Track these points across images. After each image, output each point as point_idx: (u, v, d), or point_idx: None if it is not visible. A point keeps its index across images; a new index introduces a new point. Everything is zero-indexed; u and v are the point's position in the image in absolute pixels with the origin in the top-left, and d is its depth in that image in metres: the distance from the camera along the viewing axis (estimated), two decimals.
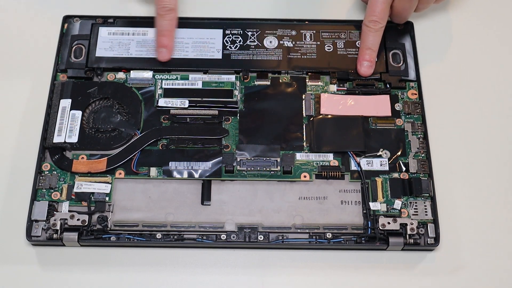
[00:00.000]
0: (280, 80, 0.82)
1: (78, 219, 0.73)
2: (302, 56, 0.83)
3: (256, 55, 0.83)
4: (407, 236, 0.73)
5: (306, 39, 0.85)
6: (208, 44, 0.84)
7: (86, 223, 0.73)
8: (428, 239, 0.74)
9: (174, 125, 0.79)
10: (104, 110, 0.80)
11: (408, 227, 0.73)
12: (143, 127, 0.79)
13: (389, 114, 0.80)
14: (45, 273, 0.73)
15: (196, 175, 0.76)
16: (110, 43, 0.84)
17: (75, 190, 0.75)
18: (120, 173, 0.76)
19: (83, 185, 0.75)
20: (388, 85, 0.82)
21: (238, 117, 0.80)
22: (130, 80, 0.82)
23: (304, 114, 0.80)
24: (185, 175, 0.76)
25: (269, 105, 0.80)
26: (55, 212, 0.74)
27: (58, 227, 0.73)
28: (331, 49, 0.84)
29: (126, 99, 0.80)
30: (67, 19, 0.86)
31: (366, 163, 0.77)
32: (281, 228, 0.74)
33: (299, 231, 0.74)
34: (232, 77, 0.82)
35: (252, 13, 0.89)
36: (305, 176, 0.76)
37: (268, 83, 0.82)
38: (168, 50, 0.81)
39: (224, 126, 0.79)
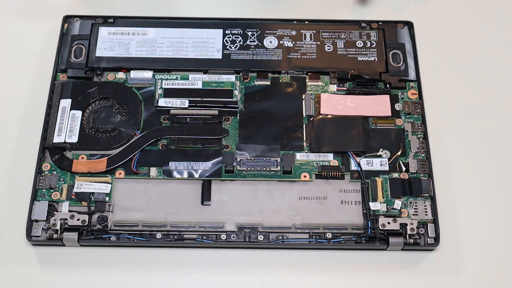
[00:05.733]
0: (280, 80, 0.82)
1: (78, 219, 0.73)
2: (302, 56, 0.83)
3: (256, 55, 0.83)
4: (407, 236, 0.73)
5: (306, 39, 0.85)
6: (208, 44, 0.84)
7: (86, 223, 0.73)
8: (428, 239, 0.74)
9: (174, 125, 0.79)
10: (104, 110, 0.80)
11: (408, 227, 0.73)
12: (143, 127, 0.79)
13: (389, 114, 0.80)
14: (45, 273, 0.73)
15: (196, 175, 0.76)
16: (110, 43, 0.84)
17: (75, 190, 0.75)
18: (120, 173, 0.76)
19: (83, 185, 0.75)
20: (388, 85, 0.82)
21: (238, 117, 0.80)
22: (130, 80, 0.82)
23: (304, 114, 0.80)
24: (185, 175, 0.76)
25: (269, 105, 0.80)
26: (55, 212, 0.74)
27: (58, 227, 0.73)
28: (331, 49, 0.84)
29: (126, 99, 0.80)
30: (67, 19, 0.86)
31: (366, 163, 0.77)
32: (281, 228, 0.74)
33: (299, 231, 0.74)
34: (232, 77, 0.82)
35: (252, 13, 0.89)
36: (305, 176, 0.76)
37: (268, 83, 0.82)
38: None
39: (224, 126, 0.79)
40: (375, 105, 0.80)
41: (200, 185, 0.76)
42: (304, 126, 0.79)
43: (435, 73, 0.85)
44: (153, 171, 0.76)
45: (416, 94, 0.81)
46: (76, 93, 0.80)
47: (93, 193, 0.75)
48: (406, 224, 0.73)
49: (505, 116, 0.83)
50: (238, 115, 0.80)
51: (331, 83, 0.82)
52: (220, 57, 0.83)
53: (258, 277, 0.73)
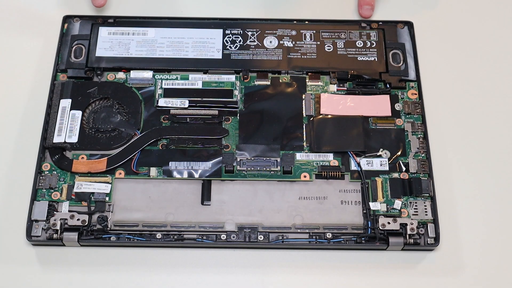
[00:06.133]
0: (280, 80, 0.82)
1: (78, 219, 0.73)
2: (302, 56, 0.83)
3: (256, 55, 0.83)
4: (407, 236, 0.73)
5: (306, 39, 0.85)
6: (208, 44, 0.84)
7: (86, 223, 0.73)
8: (428, 239, 0.74)
9: (174, 125, 0.79)
10: (104, 110, 0.80)
11: (408, 227, 0.73)
12: (143, 127, 0.79)
13: (389, 114, 0.80)
14: (45, 273, 0.73)
15: (196, 175, 0.76)
16: (110, 43, 0.84)
17: (75, 190, 0.75)
18: (120, 173, 0.76)
19: (83, 185, 0.75)
20: (388, 85, 0.82)
21: (238, 117, 0.80)
22: (130, 80, 0.82)
23: (304, 114, 0.80)
24: (185, 175, 0.76)
25: (269, 105, 0.80)
26: (55, 212, 0.74)
27: (58, 227, 0.73)
28: (331, 49, 0.84)
29: (126, 99, 0.80)
30: (67, 19, 0.86)
31: (366, 163, 0.77)
32: (281, 228, 0.74)
33: (299, 231, 0.74)
34: (232, 77, 0.82)
35: (252, 13, 0.89)
36: (305, 176, 0.76)
37: (268, 83, 0.82)
38: None
39: (224, 126, 0.79)
40: (375, 105, 0.80)
41: (200, 185, 0.76)
42: (304, 126, 0.79)
43: (435, 73, 0.85)
44: (153, 171, 0.76)
45: (416, 94, 0.81)
46: (76, 93, 0.80)
47: (93, 193, 0.75)
48: (406, 224, 0.73)
49: (505, 116, 0.83)
50: (238, 115, 0.80)
51: (331, 83, 0.82)
52: (220, 57, 0.83)
53: (258, 277, 0.73)
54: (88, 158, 0.77)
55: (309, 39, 0.85)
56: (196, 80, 0.82)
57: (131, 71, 0.82)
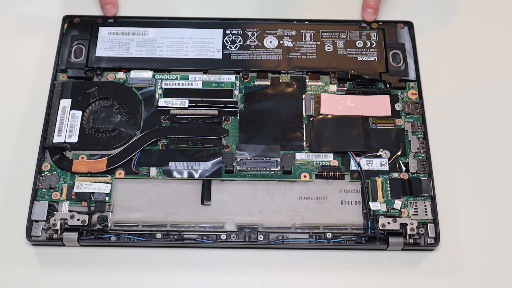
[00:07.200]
0: (280, 80, 0.82)
1: (78, 219, 0.73)
2: (302, 56, 0.83)
3: (256, 55, 0.83)
4: (407, 236, 0.73)
5: (306, 39, 0.85)
6: (208, 44, 0.84)
7: (86, 223, 0.73)
8: (428, 239, 0.74)
9: (174, 125, 0.79)
10: (104, 110, 0.80)
11: (408, 227, 0.73)
12: (143, 127, 0.79)
13: (389, 114, 0.80)
14: (45, 273, 0.73)
15: (196, 175, 0.76)
16: (110, 43, 0.84)
17: (75, 190, 0.75)
18: (120, 173, 0.76)
19: (83, 185, 0.75)
20: (388, 85, 0.82)
21: (238, 117, 0.80)
22: (130, 80, 0.82)
23: (304, 114, 0.80)
24: (185, 175, 0.76)
25: (269, 105, 0.80)
26: (55, 212, 0.74)
27: (58, 227, 0.73)
28: (331, 49, 0.84)
29: (126, 99, 0.80)
30: (67, 19, 0.86)
31: (366, 163, 0.77)
32: (281, 228, 0.74)
33: (299, 231, 0.74)
34: (232, 77, 0.82)
35: (252, 13, 0.89)
36: (305, 176, 0.76)
37: (268, 83, 0.82)
38: (113, 5, 0.86)
39: (224, 126, 0.79)
40: (375, 105, 0.80)
41: (200, 185, 0.76)
42: (304, 126, 0.79)
43: (435, 73, 0.85)
44: (153, 171, 0.76)
45: (416, 94, 0.81)
46: (76, 93, 0.80)
47: (93, 193, 0.75)
48: (406, 224, 0.73)
49: (505, 116, 0.83)
50: (238, 115, 0.80)
51: (331, 83, 0.82)
52: (220, 57, 0.83)
53: (258, 277, 0.73)
54: (88, 158, 0.77)
55: (309, 39, 0.85)
56: (196, 80, 0.82)
57: (131, 71, 0.82)
